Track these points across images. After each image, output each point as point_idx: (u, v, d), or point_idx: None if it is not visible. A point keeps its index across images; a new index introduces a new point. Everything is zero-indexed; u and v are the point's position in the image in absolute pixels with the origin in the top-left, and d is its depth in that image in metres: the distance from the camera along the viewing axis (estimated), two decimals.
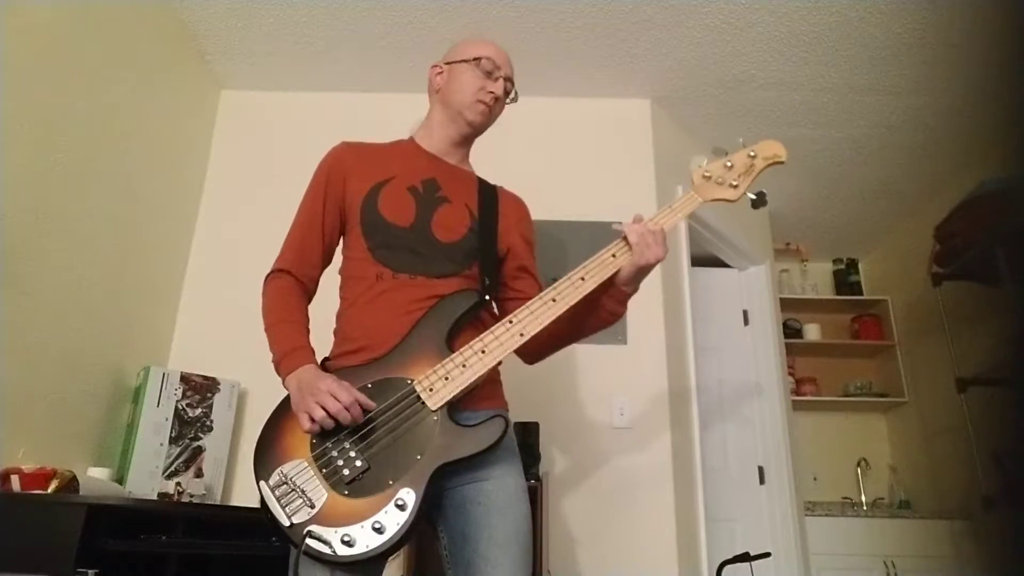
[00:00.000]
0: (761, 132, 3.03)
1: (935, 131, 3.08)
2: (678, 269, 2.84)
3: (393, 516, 1.10)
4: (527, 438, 2.17)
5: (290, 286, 1.35)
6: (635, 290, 1.33)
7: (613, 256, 1.29)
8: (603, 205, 2.69)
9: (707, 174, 1.34)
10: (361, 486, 1.12)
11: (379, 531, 1.09)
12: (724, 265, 3.52)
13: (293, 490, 1.12)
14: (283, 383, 1.23)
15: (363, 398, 1.16)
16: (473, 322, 1.30)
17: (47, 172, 1.95)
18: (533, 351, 1.42)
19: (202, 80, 2.83)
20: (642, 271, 1.29)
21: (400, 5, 2.48)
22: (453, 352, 1.22)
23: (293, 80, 2.90)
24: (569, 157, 2.84)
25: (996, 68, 2.66)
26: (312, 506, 1.11)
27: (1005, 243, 2.87)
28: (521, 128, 2.87)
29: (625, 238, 1.29)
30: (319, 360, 1.27)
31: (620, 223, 1.30)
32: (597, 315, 1.36)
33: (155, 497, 2.12)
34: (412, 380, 1.20)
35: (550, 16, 2.51)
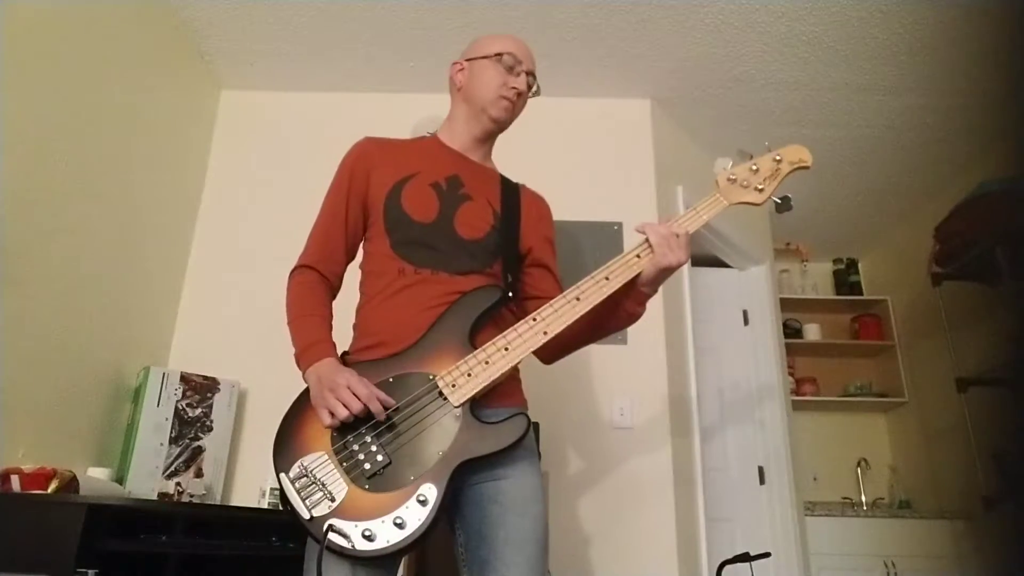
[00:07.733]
0: (761, 132, 3.03)
1: (935, 131, 3.08)
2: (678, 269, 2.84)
3: (415, 511, 1.09)
4: None
5: (314, 281, 1.34)
6: (654, 291, 1.33)
7: (637, 257, 1.29)
8: (603, 205, 2.68)
9: (732, 177, 1.34)
10: (382, 481, 1.11)
11: (400, 526, 1.08)
12: (724, 265, 3.52)
13: (313, 483, 1.11)
14: (303, 376, 1.22)
15: (382, 394, 1.15)
16: (495, 319, 1.29)
17: (47, 172, 1.95)
18: (552, 351, 1.41)
19: (202, 80, 2.83)
20: (663, 273, 1.28)
21: (400, 5, 2.48)
22: (476, 348, 1.21)
23: (293, 80, 2.90)
24: (569, 157, 2.83)
25: (996, 68, 2.66)
26: (332, 499, 1.10)
27: (1005, 243, 2.87)
28: (521, 128, 2.87)
29: (648, 240, 1.27)
30: (339, 353, 1.26)
31: (643, 224, 1.29)
32: (616, 316, 1.35)
33: (155, 497, 2.12)
34: (434, 376, 1.19)
35: (550, 16, 2.51)
